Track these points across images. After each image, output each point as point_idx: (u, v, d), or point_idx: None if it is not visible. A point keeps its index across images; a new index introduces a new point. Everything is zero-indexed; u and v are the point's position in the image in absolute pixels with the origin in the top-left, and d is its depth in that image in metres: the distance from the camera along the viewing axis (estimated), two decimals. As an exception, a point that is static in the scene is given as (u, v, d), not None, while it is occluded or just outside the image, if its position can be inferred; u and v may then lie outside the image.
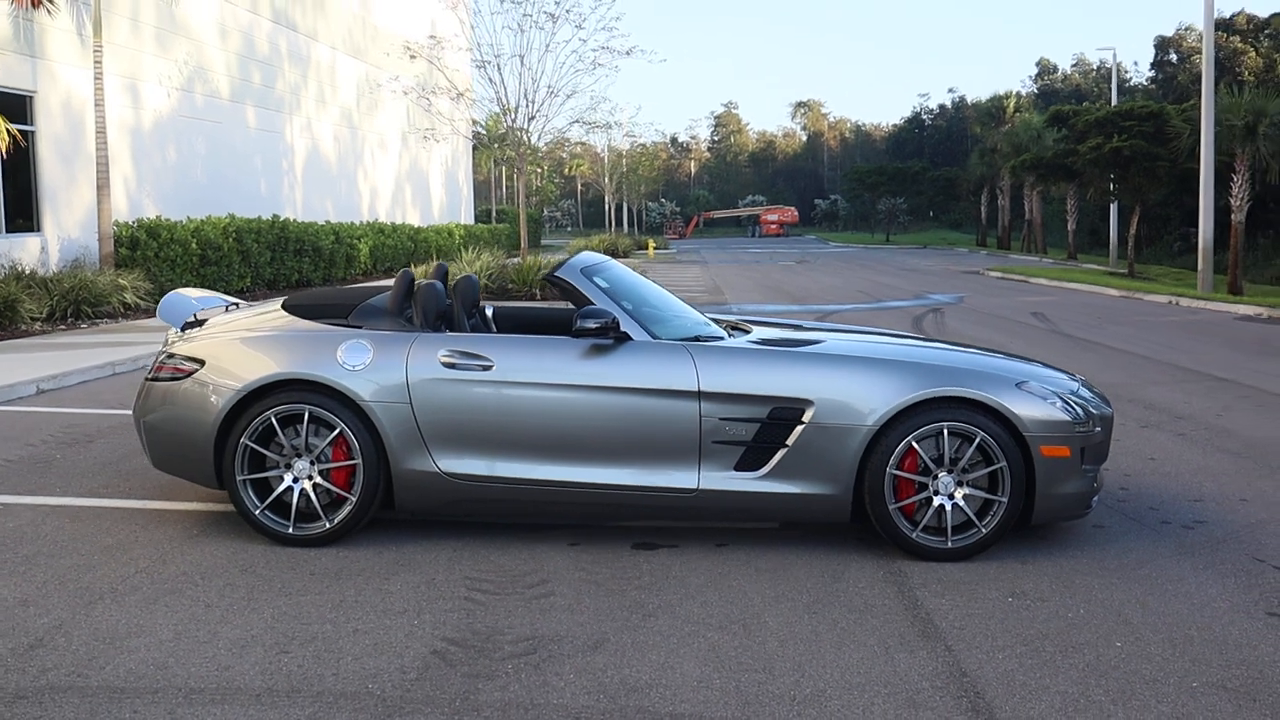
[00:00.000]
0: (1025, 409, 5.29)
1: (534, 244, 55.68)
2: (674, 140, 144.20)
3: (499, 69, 20.45)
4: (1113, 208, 43.64)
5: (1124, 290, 26.24)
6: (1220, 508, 6.34)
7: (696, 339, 5.57)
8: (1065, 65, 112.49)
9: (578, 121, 22.16)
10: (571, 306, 6.34)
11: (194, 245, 19.47)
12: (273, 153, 27.78)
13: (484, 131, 57.72)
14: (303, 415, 5.35)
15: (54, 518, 5.87)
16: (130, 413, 8.90)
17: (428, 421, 5.33)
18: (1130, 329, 17.40)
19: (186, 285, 19.07)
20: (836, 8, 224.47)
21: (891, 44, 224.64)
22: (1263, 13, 67.79)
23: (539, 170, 72.17)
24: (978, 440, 5.26)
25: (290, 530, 5.39)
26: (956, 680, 3.99)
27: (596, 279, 5.68)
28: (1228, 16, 67.96)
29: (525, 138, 21.37)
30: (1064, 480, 5.36)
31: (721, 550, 5.47)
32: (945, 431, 5.26)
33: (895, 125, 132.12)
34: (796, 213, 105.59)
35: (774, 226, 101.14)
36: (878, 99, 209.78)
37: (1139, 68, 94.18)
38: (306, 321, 5.66)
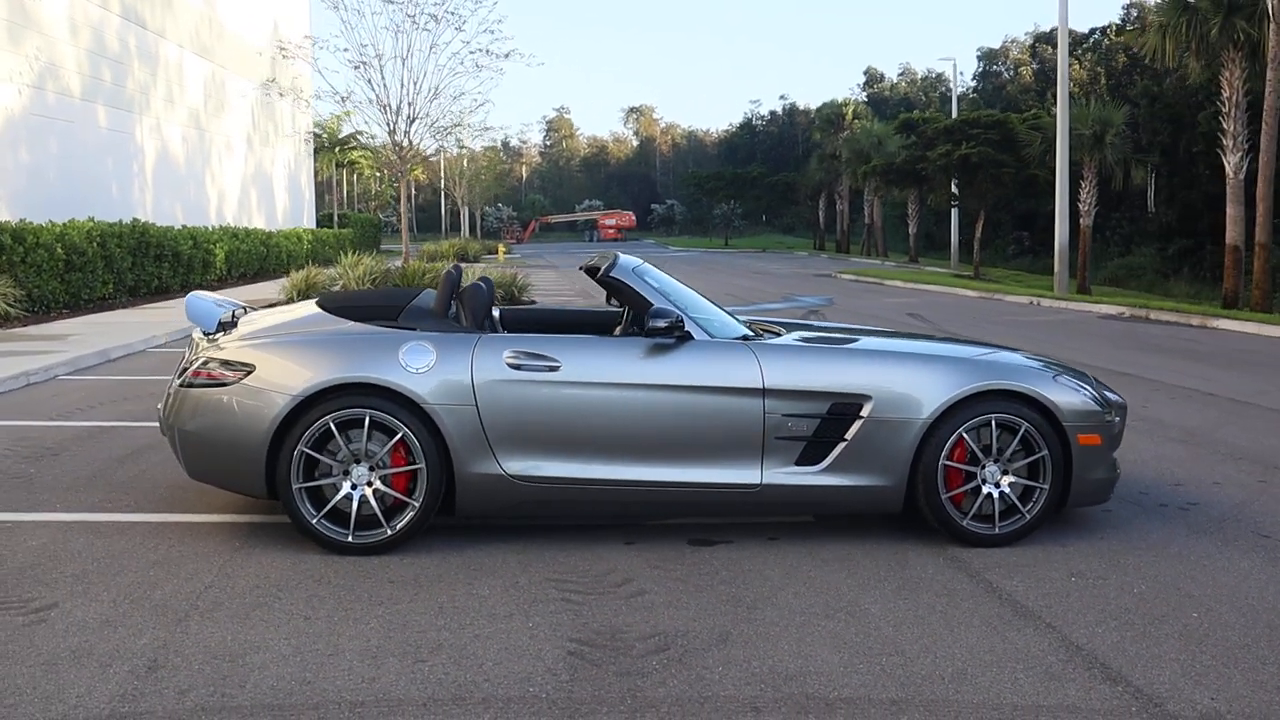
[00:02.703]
0: (1064, 400, 5.58)
1: (373, 248, 54.73)
2: (505, 144, 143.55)
3: (380, 70, 20.05)
4: (953, 212, 45.59)
5: (981, 292, 27.46)
6: (1200, 490, 6.79)
7: (745, 338, 5.67)
8: (892, 74, 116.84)
9: (458, 125, 21.77)
10: (613, 306, 6.45)
11: (59, 250, 18.48)
12: (124, 154, 26.58)
13: (323, 134, 56.47)
14: (363, 420, 5.22)
15: (77, 534, 5.57)
16: (82, 425, 8.48)
17: (493, 423, 5.27)
18: (1006, 328, 18.24)
19: (53, 292, 18.13)
20: (667, 15, 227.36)
21: (722, 51, 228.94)
22: (1081, 28, 71.88)
23: (378, 174, 70.93)
24: (1022, 430, 5.51)
25: (350, 539, 5.25)
26: (1076, 653, 4.20)
27: (647, 279, 5.72)
28: (1047, 31, 71.93)
29: (406, 140, 20.99)
30: (1096, 467, 5.67)
31: (777, 543, 5.58)
32: (993, 423, 5.50)
33: (727, 131, 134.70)
34: (634, 217, 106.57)
35: (612, 231, 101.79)
36: (709, 105, 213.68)
37: (964, 78, 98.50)
38: (356, 324, 5.52)
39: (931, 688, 3.88)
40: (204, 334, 5.75)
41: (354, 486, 5.27)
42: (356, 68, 20.54)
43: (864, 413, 5.45)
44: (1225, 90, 22.52)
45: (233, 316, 5.95)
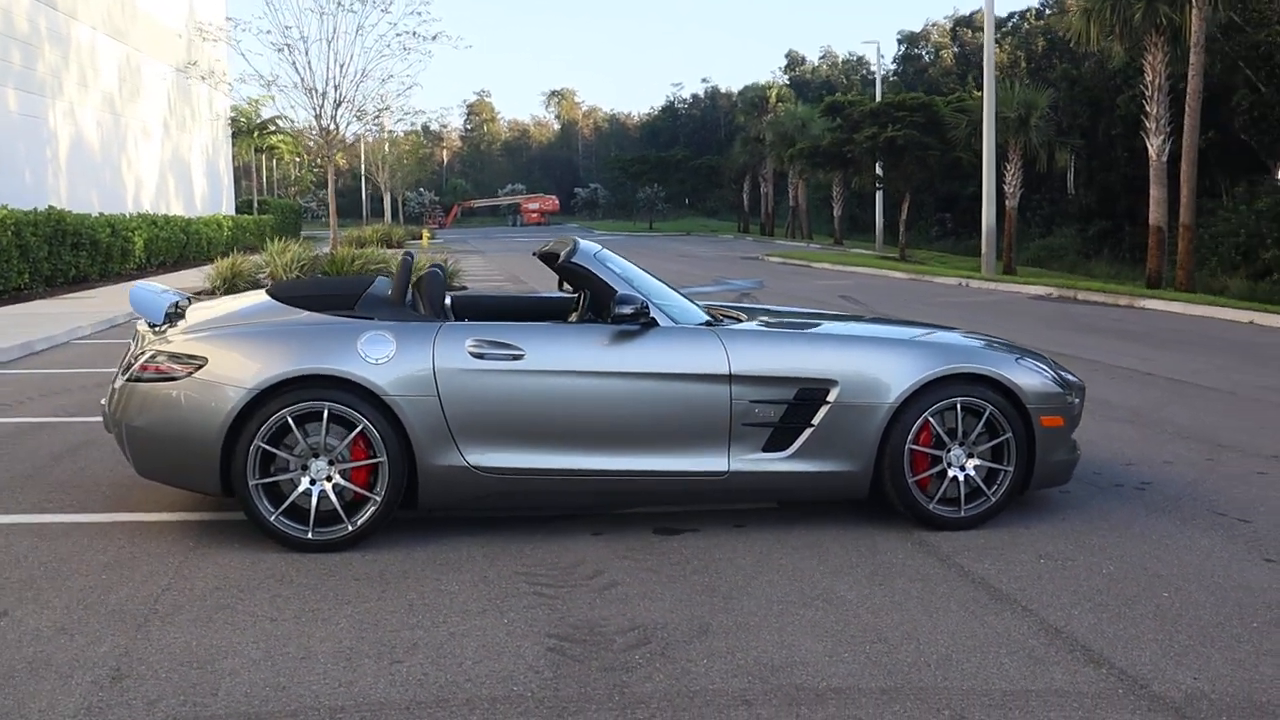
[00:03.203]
0: (1027, 383, 5.59)
1: (293, 234, 53.77)
2: (426, 128, 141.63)
3: (306, 52, 19.62)
4: (878, 195, 45.95)
5: (910, 274, 27.73)
6: (1153, 470, 6.87)
7: (708, 324, 5.60)
8: (813, 57, 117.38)
9: (385, 109, 21.38)
10: (565, 292, 6.38)
11: (-28, 239, 17.85)
12: (37, 139, 25.75)
13: (241, 118, 55.28)
14: (321, 413, 5.06)
15: (20, 537, 5.33)
16: (11, 421, 8.17)
17: (456, 414, 5.14)
18: (940, 309, 18.40)
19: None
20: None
21: (643, 33, 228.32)
22: (1001, 12, 72.93)
23: (297, 159, 69.63)
24: (987, 413, 5.52)
25: (310, 536, 5.09)
26: (1056, 636, 4.20)
27: (609, 265, 5.62)
28: (967, 15, 72.91)
29: (332, 124, 20.57)
30: (1058, 449, 5.70)
31: (744, 531, 5.53)
32: (958, 406, 5.49)
33: (649, 114, 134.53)
34: (557, 201, 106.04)
35: (535, 215, 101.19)
36: (631, 88, 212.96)
37: (884, 61, 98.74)
38: (311, 313, 5.34)
39: (919, 675, 3.85)
40: (150, 326, 5.53)
41: (313, 482, 5.10)
42: (280, 50, 20.07)
43: (830, 398, 5.41)
44: (1148, 74, 22.96)
45: (177, 307, 5.73)
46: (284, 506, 5.07)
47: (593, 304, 6.37)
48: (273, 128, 53.83)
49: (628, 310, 5.25)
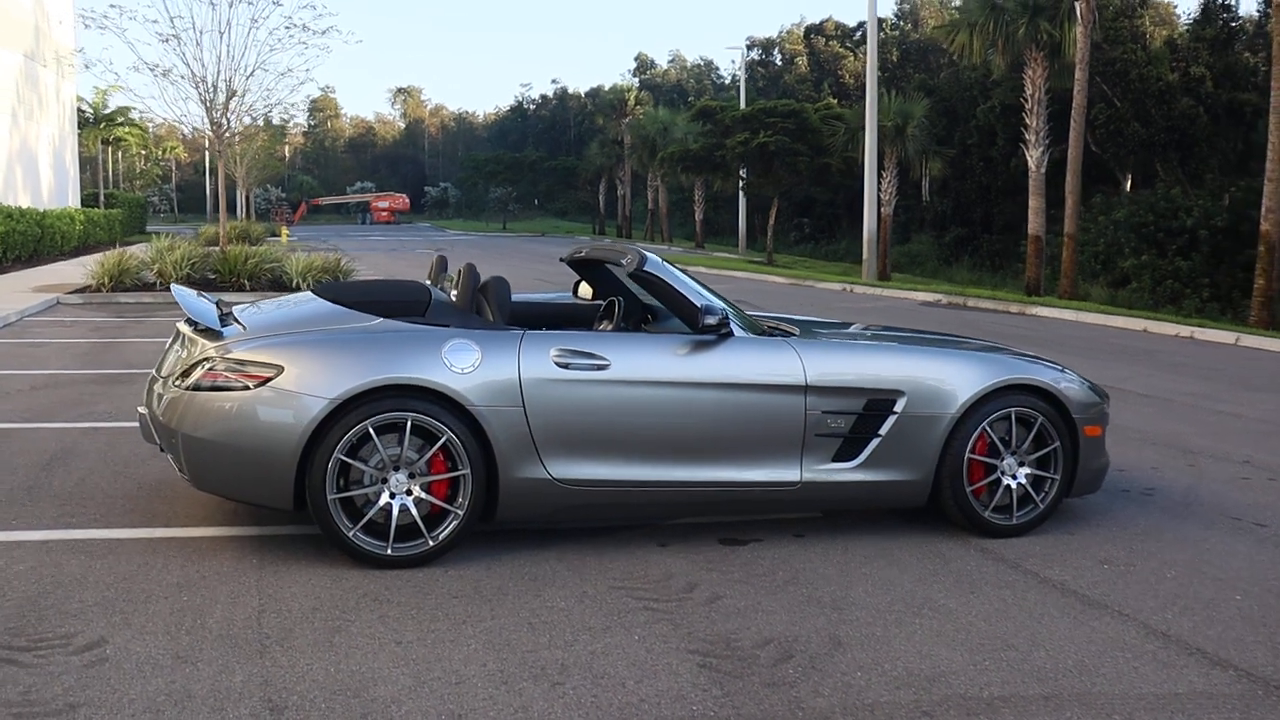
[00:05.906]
0: (1073, 393, 5.80)
1: (139, 231, 51.57)
2: (268, 123, 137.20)
3: (198, 43, 18.83)
4: (742, 199, 46.67)
5: (791, 279, 28.22)
6: (1145, 476, 7.18)
7: (771, 333, 5.62)
8: (663, 61, 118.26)
9: (278, 104, 20.68)
10: (576, 299, 6.34)
11: None
12: (-119, 124, 24.02)
13: (89, 108, 52.73)
14: (404, 424, 4.88)
15: (63, 555, 4.99)
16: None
17: (540, 425, 5.04)
18: (841, 316, 18.80)
19: None
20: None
21: (490, 32, 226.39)
22: (850, 21, 74.93)
23: (144, 152, 66.68)
24: (1038, 424, 5.69)
25: (389, 551, 4.91)
26: (1166, 640, 4.37)
27: (678, 274, 5.58)
28: (818, 23, 74.62)
29: (224, 119, 19.80)
30: (1097, 456, 5.92)
31: (805, 540, 5.57)
32: (1012, 416, 5.65)
33: (494, 113, 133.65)
34: (408, 200, 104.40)
35: (385, 214, 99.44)
36: (478, 87, 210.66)
37: (733, 67, 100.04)
38: (386, 320, 5.14)
39: (1068, 681, 3.95)
40: (201, 330, 5.23)
41: (393, 495, 4.92)
42: (166, 40, 19.21)
43: (897, 408, 5.50)
44: (1028, 88, 23.98)
45: (224, 310, 5.45)
46: (363, 521, 4.88)
47: (628, 311, 6.33)
48: (121, 119, 51.54)
49: (713, 320, 5.23)
